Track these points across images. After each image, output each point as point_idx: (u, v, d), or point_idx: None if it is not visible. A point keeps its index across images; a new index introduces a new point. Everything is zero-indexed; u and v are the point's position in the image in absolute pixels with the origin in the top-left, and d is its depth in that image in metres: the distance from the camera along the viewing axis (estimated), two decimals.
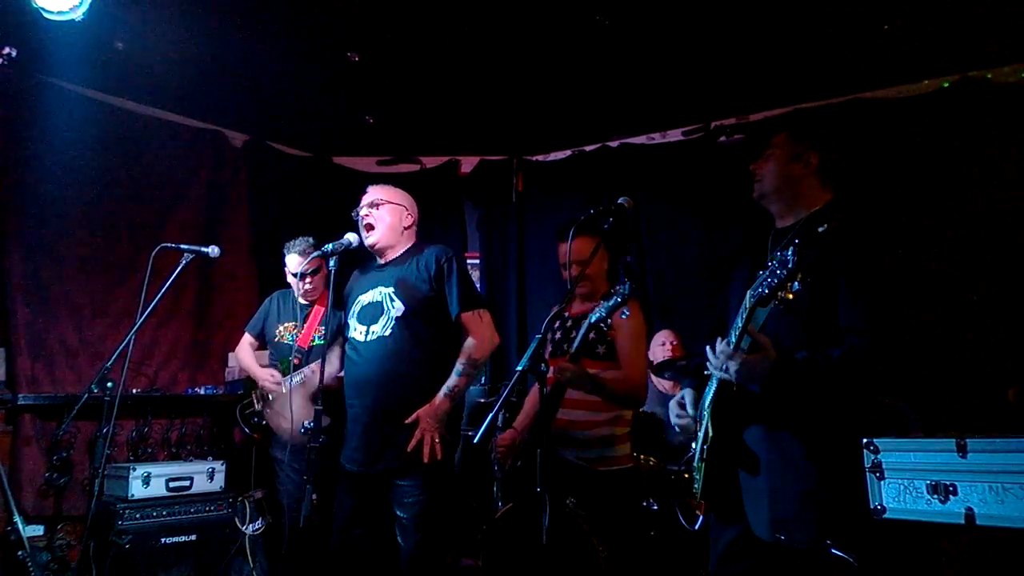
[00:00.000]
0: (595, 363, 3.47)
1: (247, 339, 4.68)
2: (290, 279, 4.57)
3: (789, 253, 2.01)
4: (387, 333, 3.31)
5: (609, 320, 2.90)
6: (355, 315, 3.46)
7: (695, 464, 2.53)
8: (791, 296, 2.03)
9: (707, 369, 2.42)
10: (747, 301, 2.17)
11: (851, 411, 2.34)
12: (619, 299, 2.81)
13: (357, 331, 3.40)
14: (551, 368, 3.27)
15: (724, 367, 2.26)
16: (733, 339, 2.26)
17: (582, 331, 3.10)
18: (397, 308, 3.33)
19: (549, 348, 3.68)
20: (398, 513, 3.24)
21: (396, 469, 3.23)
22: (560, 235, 3.67)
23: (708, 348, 2.35)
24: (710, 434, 2.42)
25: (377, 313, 3.36)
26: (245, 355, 4.64)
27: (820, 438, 2.28)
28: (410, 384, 3.29)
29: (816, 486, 2.25)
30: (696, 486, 2.51)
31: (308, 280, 4.42)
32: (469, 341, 3.34)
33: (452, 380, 3.28)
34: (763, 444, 2.36)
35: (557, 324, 3.73)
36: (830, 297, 2.28)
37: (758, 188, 2.60)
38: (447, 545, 3.97)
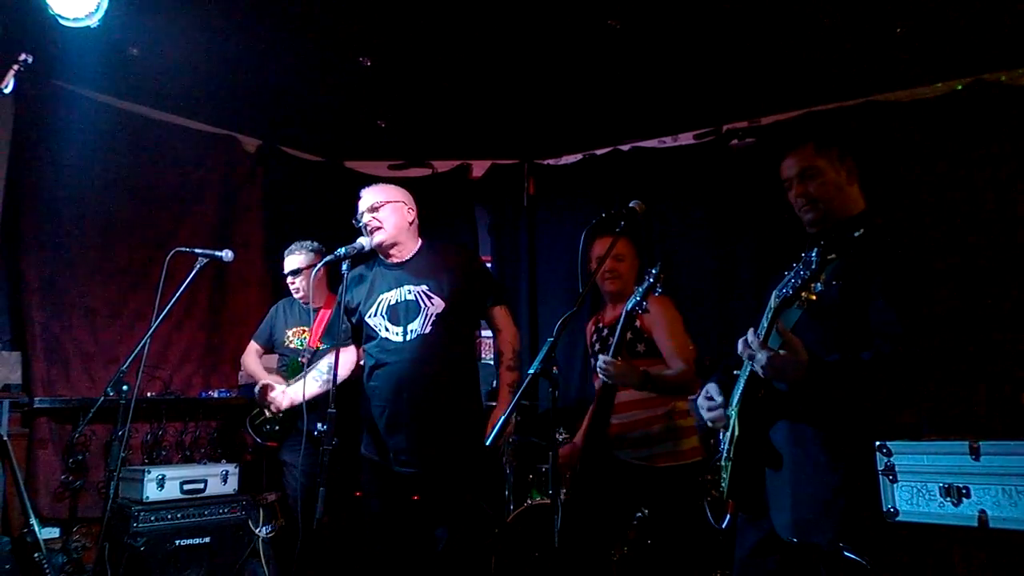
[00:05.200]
0: (637, 362, 3.41)
1: (253, 347, 4.72)
2: (289, 285, 4.62)
3: (813, 254, 2.01)
4: (427, 331, 3.34)
5: (645, 303, 2.88)
6: (382, 314, 3.45)
7: (722, 463, 2.53)
8: (814, 297, 2.05)
9: (740, 360, 2.39)
10: (772, 301, 2.17)
11: (878, 414, 2.32)
12: (650, 279, 2.79)
13: (390, 331, 3.40)
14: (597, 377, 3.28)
15: (752, 355, 2.23)
16: (762, 334, 2.24)
17: (620, 323, 3.08)
18: (436, 305, 3.35)
19: (592, 362, 3.63)
20: (439, 509, 3.31)
21: (444, 467, 3.29)
22: (595, 233, 3.60)
23: (741, 340, 2.31)
24: (736, 432, 2.42)
25: (412, 311, 3.37)
26: (252, 361, 4.68)
27: (845, 440, 2.26)
28: (452, 379, 3.37)
29: (839, 488, 2.22)
30: (724, 484, 2.50)
31: (293, 280, 4.47)
32: (508, 335, 3.52)
33: (509, 377, 3.43)
34: (788, 444, 2.34)
35: (594, 337, 3.70)
36: (862, 301, 2.25)
37: (815, 212, 2.49)
38: (484, 540, 4.01)
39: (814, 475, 2.26)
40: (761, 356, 2.18)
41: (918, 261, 2.29)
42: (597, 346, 3.66)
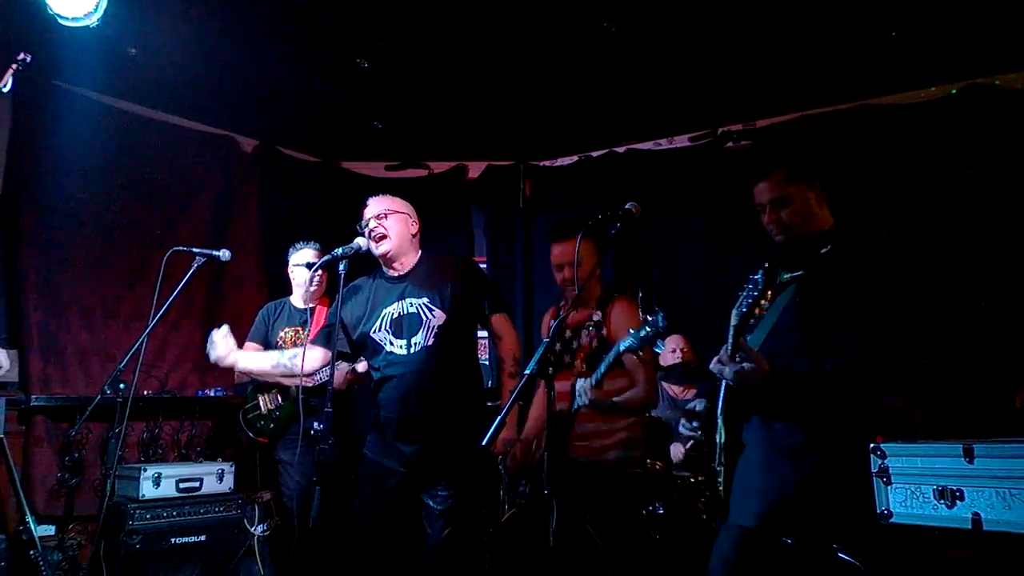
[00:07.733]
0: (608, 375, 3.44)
1: (251, 347, 4.69)
2: (296, 278, 4.60)
3: (759, 276, 2.23)
4: (430, 343, 3.37)
5: (640, 353, 2.88)
6: (386, 328, 3.48)
7: (716, 467, 2.59)
8: (764, 313, 2.33)
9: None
10: (732, 318, 2.32)
11: (853, 414, 2.42)
12: (650, 330, 2.77)
13: (394, 344, 3.43)
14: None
15: (720, 371, 2.40)
16: (729, 350, 2.36)
17: (610, 357, 3.06)
18: (437, 317, 3.39)
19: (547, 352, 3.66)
20: (431, 504, 3.35)
21: (441, 471, 3.35)
22: (554, 236, 3.74)
23: (715, 358, 2.45)
24: (724, 438, 2.53)
25: (414, 324, 3.41)
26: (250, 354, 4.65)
27: (817, 433, 2.39)
28: (457, 387, 3.42)
29: (809, 480, 2.35)
30: (720, 487, 2.58)
31: (319, 274, 4.42)
32: (509, 342, 3.56)
33: (511, 384, 3.45)
34: (759, 438, 2.49)
35: (555, 333, 3.70)
36: (827, 315, 2.39)
37: (784, 236, 2.60)
38: (472, 539, 4.05)
39: (787, 466, 2.40)
40: (728, 370, 2.35)
41: (882, 278, 2.42)
42: (558, 346, 3.64)
